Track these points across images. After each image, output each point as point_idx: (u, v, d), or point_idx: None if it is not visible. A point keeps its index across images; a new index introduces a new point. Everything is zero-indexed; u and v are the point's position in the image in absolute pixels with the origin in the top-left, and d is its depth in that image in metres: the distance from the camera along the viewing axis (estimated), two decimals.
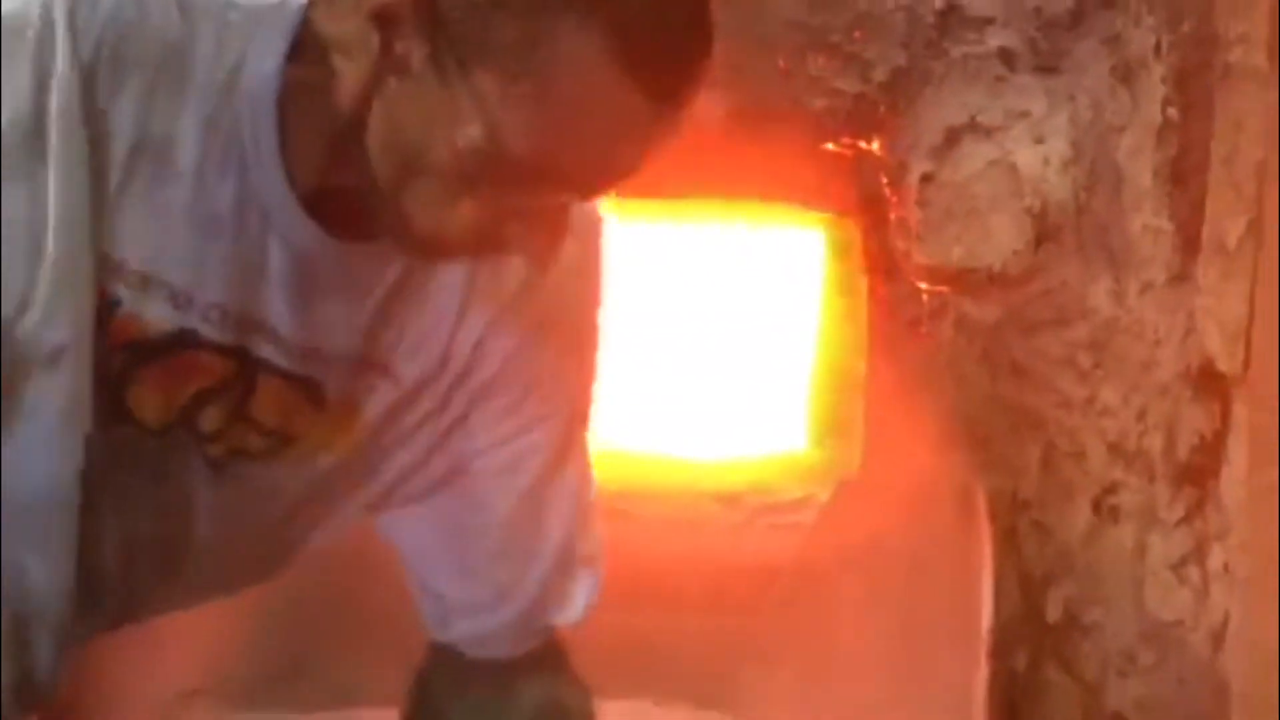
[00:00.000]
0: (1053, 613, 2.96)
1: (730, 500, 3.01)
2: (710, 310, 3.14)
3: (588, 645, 2.69)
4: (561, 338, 1.71)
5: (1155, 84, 2.83)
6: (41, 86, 1.44)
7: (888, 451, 2.97)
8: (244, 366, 1.59)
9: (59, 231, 1.46)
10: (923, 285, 2.99)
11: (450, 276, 1.60)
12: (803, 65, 2.94)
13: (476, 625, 1.77)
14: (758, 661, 2.64)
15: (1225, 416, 2.74)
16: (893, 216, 2.98)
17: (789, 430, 3.15)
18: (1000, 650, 2.50)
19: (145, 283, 1.53)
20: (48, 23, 1.43)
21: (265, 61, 1.48)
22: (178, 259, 1.53)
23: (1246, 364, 2.67)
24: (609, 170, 1.45)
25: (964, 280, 2.97)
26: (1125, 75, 2.88)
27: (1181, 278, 2.83)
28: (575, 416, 1.78)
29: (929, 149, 2.94)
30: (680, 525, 2.96)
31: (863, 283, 3.03)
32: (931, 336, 2.99)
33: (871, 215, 2.99)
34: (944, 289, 2.98)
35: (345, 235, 1.53)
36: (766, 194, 3.00)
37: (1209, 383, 2.77)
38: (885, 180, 2.97)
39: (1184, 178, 2.81)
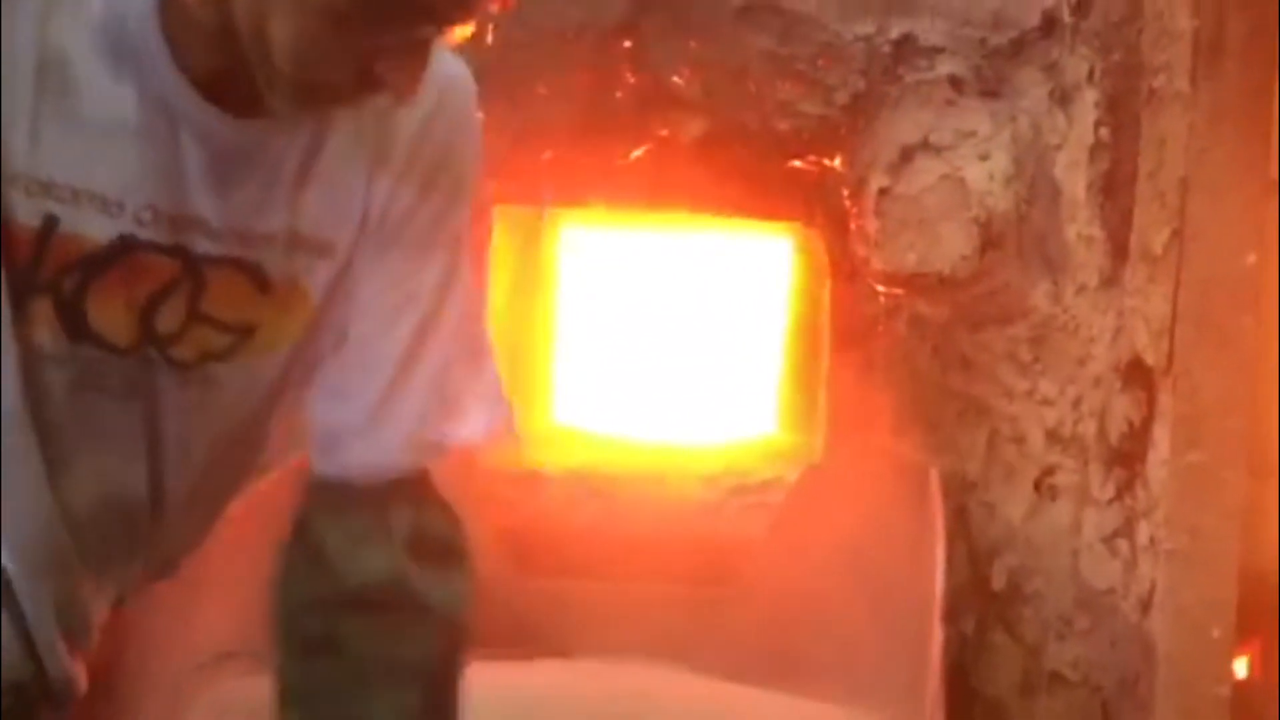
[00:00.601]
0: (997, 582, 2.97)
1: (708, 481, 3.00)
2: (690, 311, 3.15)
3: (583, 609, 2.72)
4: (448, 187, 1.66)
5: (1088, 107, 2.84)
6: None
7: (849, 437, 2.98)
8: (188, 264, 1.56)
9: None
10: (880, 288, 2.98)
11: (349, 147, 1.59)
12: (772, 90, 2.93)
13: (358, 451, 1.66)
14: (733, 622, 2.64)
15: (1151, 405, 2.75)
16: (853, 226, 2.97)
17: (760, 418, 3.16)
18: (950, 615, 2.51)
19: (76, 197, 1.50)
20: None
21: None
22: (100, 169, 1.51)
23: (1170, 359, 2.68)
24: (454, 12, 1.45)
25: (917, 283, 2.95)
26: (1061, 99, 2.88)
27: (1112, 281, 2.84)
28: (459, 256, 1.69)
29: (886, 165, 2.93)
30: (665, 502, 2.96)
31: (826, 285, 3.03)
32: (888, 334, 2.98)
33: (834, 225, 2.99)
34: (899, 291, 2.97)
35: (246, 114, 1.51)
36: (740, 205, 3.00)
37: (1137, 375, 2.78)
38: (846, 193, 2.96)
39: (1114, 191, 2.82)
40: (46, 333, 1.55)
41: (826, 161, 2.96)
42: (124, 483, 1.66)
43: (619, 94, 2.94)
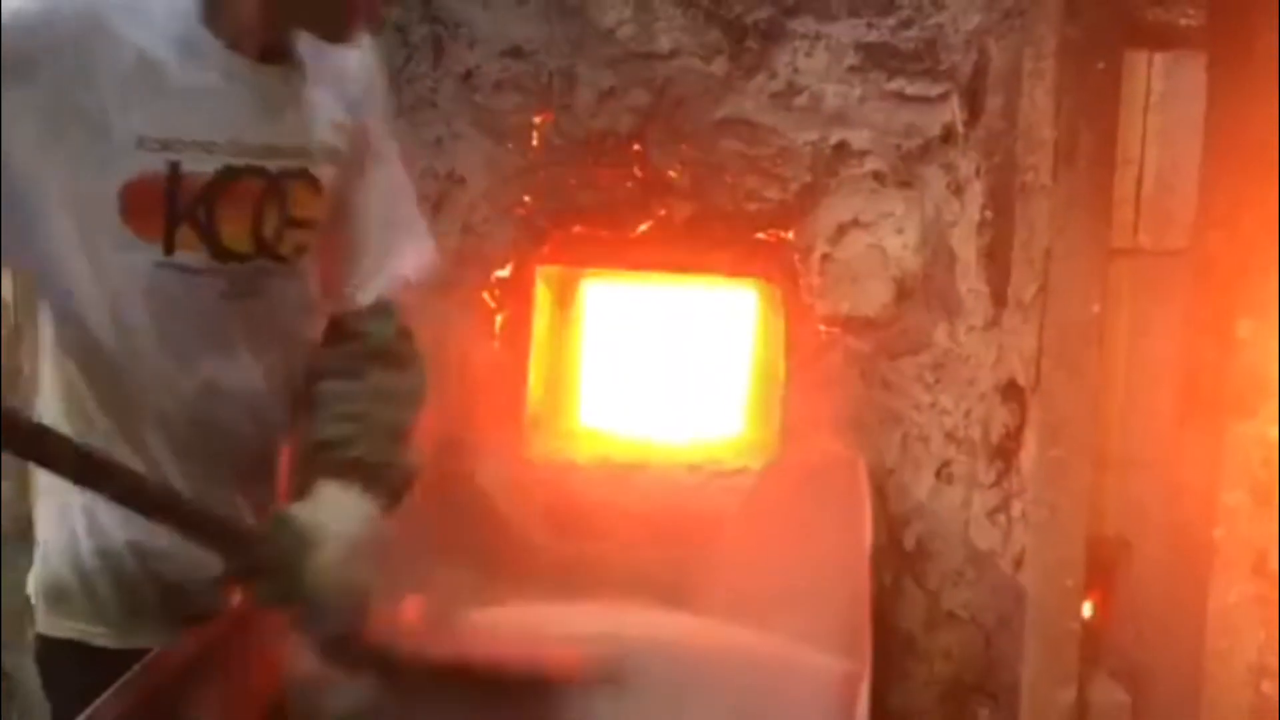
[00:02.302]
0: (908, 544, 2.96)
1: (693, 468, 3.00)
2: (681, 343, 3.15)
3: (603, 564, 2.71)
4: (382, 103, 1.80)
5: (976, 195, 2.84)
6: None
7: (799, 437, 2.96)
8: (270, 181, 1.63)
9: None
10: (822, 327, 2.97)
11: (335, 83, 1.69)
12: (743, 181, 2.93)
13: (355, 289, 1.78)
14: (712, 575, 2.61)
15: (1023, 415, 2.75)
16: (802, 282, 2.96)
17: (733, 422, 3.16)
18: (873, 570, 2.50)
19: (184, 145, 1.56)
20: None
21: None
22: (193, 122, 1.57)
23: (1037, 381, 2.67)
24: None
25: (850, 324, 2.95)
26: (956, 189, 2.87)
27: (993, 323, 2.84)
28: (395, 168, 1.81)
29: (826, 237, 2.93)
30: (662, 484, 2.95)
31: (782, 325, 3.02)
32: (828, 361, 2.97)
33: (788, 281, 2.98)
34: (836, 329, 2.96)
35: (272, 61, 1.61)
36: (718, 267, 2.99)
37: (1012, 393, 2.78)
38: (797, 257, 2.96)
39: (995, 257, 2.81)
40: (197, 255, 1.60)
41: (783, 234, 2.96)
42: (249, 376, 1.71)
43: (629, 184, 2.93)
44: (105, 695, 1.53)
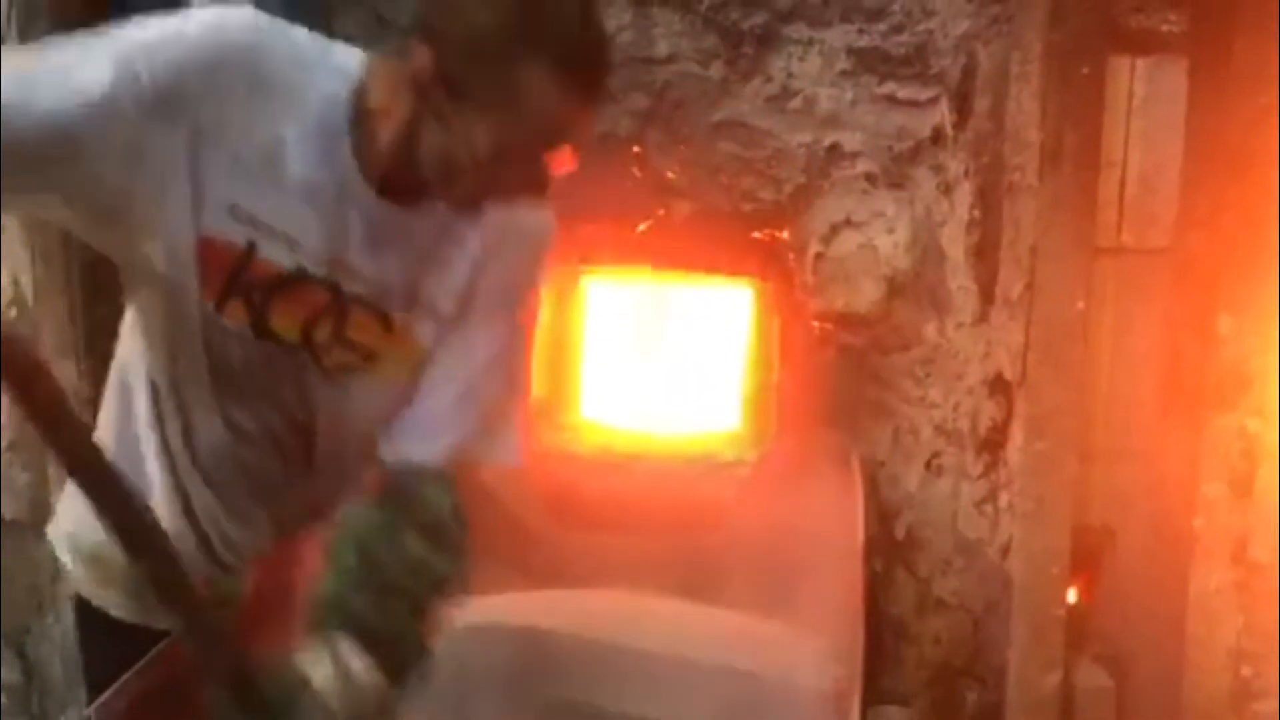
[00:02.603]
0: (899, 533, 2.96)
1: (692, 460, 2.99)
2: (680, 339, 3.15)
3: (604, 551, 2.70)
4: (519, 270, 1.68)
5: (965, 195, 2.83)
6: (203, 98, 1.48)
7: (793, 430, 2.96)
8: (337, 297, 1.58)
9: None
10: (815, 323, 2.96)
11: (464, 248, 1.61)
12: (739, 182, 2.92)
13: (422, 448, 1.65)
14: (710, 562, 2.60)
15: (1010, 409, 2.75)
16: (796, 280, 2.95)
17: (730, 416, 3.14)
18: (866, 557, 2.50)
19: (272, 233, 1.53)
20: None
21: (341, 96, 1.51)
22: (291, 218, 1.53)
23: (1023, 375, 2.68)
24: (564, 138, 1.48)
25: (842, 321, 2.94)
26: (946, 189, 2.87)
27: (981, 319, 2.84)
28: (510, 352, 1.71)
29: (820, 236, 2.92)
30: (661, 475, 2.95)
31: (777, 322, 3.02)
32: (821, 356, 2.96)
33: (783, 279, 2.97)
34: (829, 326, 2.95)
35: (399, 203, 1.54)
36: (715, 265, 2.99)
37: (999, 387, 2.78)
38: (792, 256, 2.95)
39: (983, 255, 2.81)
40: (240, 324, 1.58)
41: (778, 234, 2.95)
42: (278, 428, 1.67)
43: (629, 185, 2.93)
44: (128, 674, 1.52)
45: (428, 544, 1.64)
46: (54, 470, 2.80)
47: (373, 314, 1.61)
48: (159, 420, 1.67)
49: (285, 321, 1.59)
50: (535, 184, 1.53)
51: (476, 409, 1.67)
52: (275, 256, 1.55)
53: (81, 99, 1.43)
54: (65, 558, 1.79)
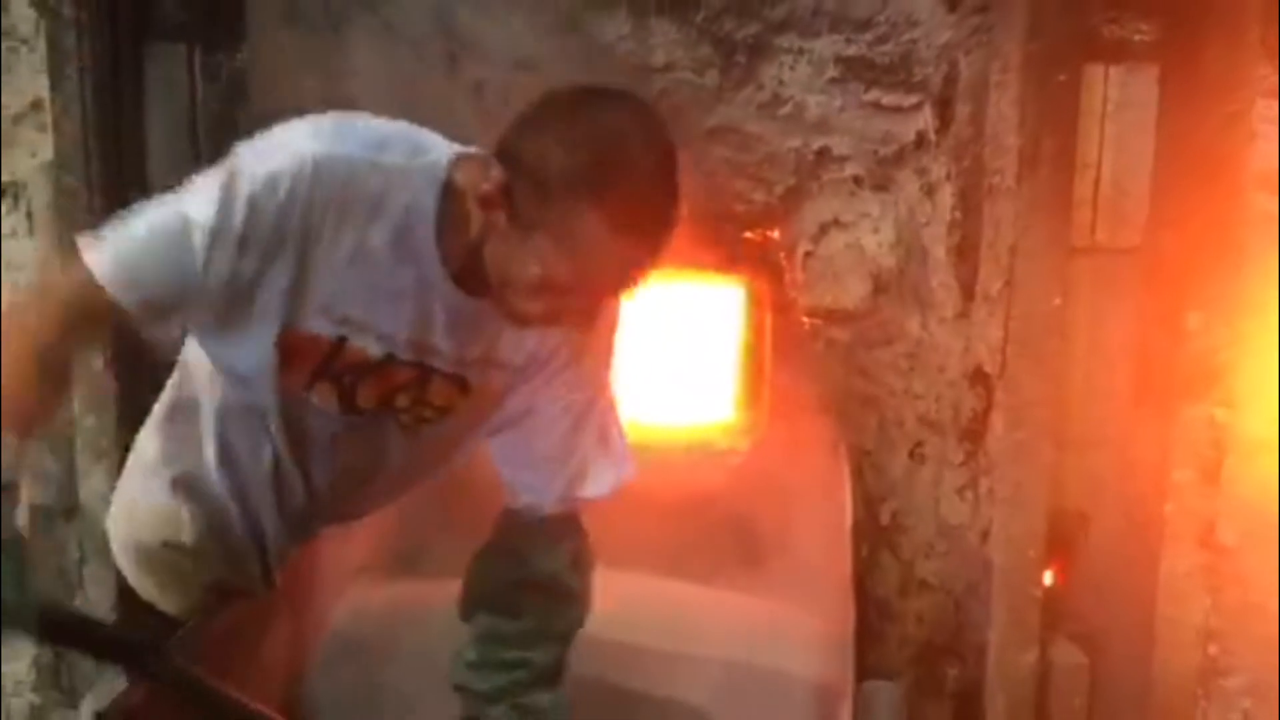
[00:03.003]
0: (884, 518, 2.96)
1: (689, 449, 2.95)
2: (677, 334, 3.12)
3: (603, 540, 2.70)
4: (595, 351, 1.72)
5: (947, 197, 2.83)
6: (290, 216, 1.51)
7: (784, 420, 2.92)
8: (421, 372, 1.62)
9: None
10: (805, 319, 2.95)
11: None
12: (732, 185, 2.91)
13: (535, 497, 1.74)
14: (706, 545, 2.60)
15: (990, 400, 2.76)
16: (786, 277, 2.94)
17: (724, 407, 3.10)
18: (852, 542, 2.50)
19: (364, 328, 1.56)
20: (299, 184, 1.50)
21: (426, 201, 1.51)
22: (382, 314, 1.56)
23: (1002, 368, 2.69)
24: (618, 288, 1.51)
25: (830, 316, 2.93)
26: (929, 191, 2.86)
27: (963, 315, 2.83)
28: (600, 390, 1.76)
29: (809, 236, 2.91)
30: (660, 463, 2.88)
31: (768, 317, 2.97)
32: (810, 350, 2.96)
33: (774, 276, 2.95)
34: (818, 321, 2.95)
35: (477, 294, 1.55)
36: (709, 263, 2.94)
37: (979, 379, 2.79)
38: (782, 255, 2.94)
39: (964, 254, 2.81)
40: (327, 403, 1.61)
41: (769, 233, 2.94)
42: (360, 481, 1.74)
43: None
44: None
45: (547, 605, 1.72)
46: (81, 459, 2.81)
47: (452, 382, 1.65)
48: (229, 454, 1.72)
49: (369, 394, 1.63)
50: (584, 316, 1.54)
51: (582, 452, 1.73)
52: (365, 345, 1.58)
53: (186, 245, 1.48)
54: (123, 561, 1.81)
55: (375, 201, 1.50)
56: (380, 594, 2.24)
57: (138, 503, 1.80)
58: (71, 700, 2.89)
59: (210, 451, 1.71)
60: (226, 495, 1.72)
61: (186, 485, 1.74)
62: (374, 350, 1.58)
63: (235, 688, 1.54)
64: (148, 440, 1.80)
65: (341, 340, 1.56)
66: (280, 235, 1.49)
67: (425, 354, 1.60)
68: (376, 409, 1.65)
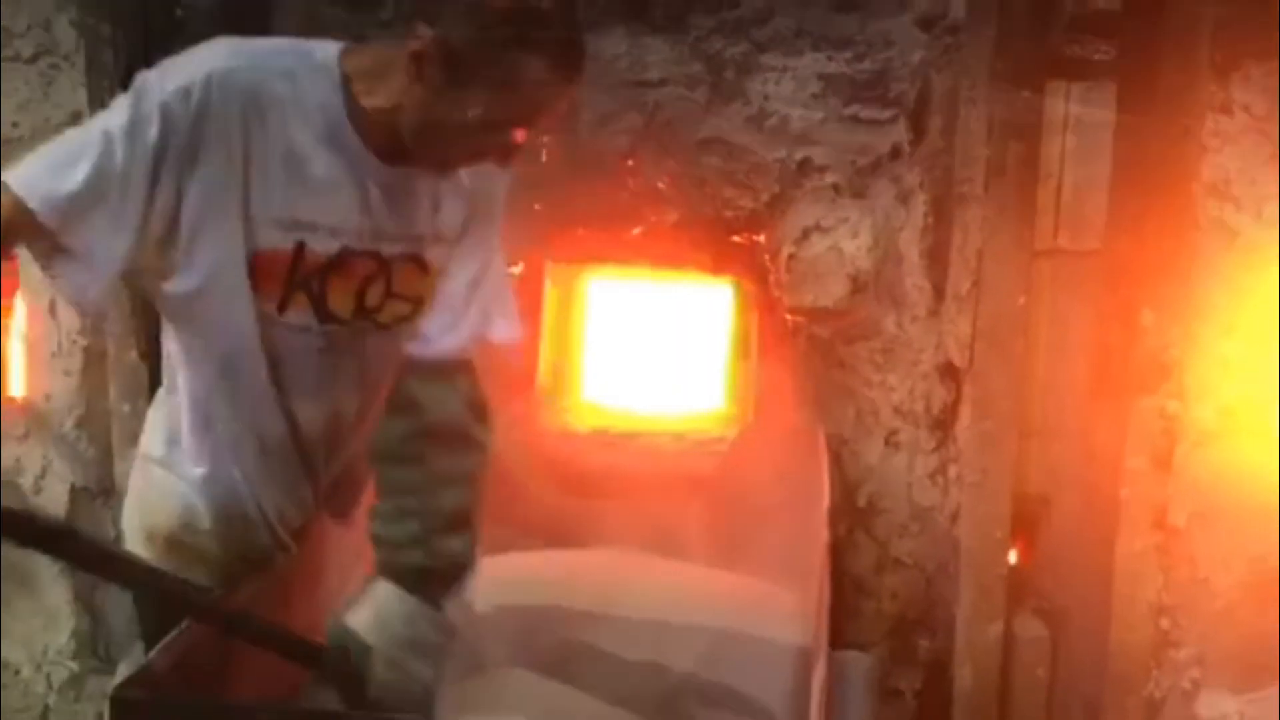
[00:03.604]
0: (860, 501, 2.95)
1: (679, 437, 2.98)
2: (670, 331, 3.13)
3: (600, 517, 2.70)
4: (494, 200, 1.73)
5: (920, 204, 2.83)
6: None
7: (769, 410, 2.95)
8: (380, 262, 1.62)
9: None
10: (788, 316, 2.95)
11: (457, 184, 1.66)
12: (720, 191, 2.91)
13: (444, 341, 1.69)
14: (694, 526, 2.57)
15: (959, 392, 2.77)
16: (771, 278, 2.94)
17: (713, 398, 3.12)
18: (831, 523, 2.50)
19: (314, 228, 1.57)
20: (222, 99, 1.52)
21: (332, 93, 1.57)
22: (326, 209, 1.58)
23: (971, 363, 2.70)
24: (538, 119, 1.55)
25: (812, 314, 2.93)
26: (903, 199, 2.86)
27: (934, 313, 2.84)
28: (495, 251, 1.76)
29: (792, 239, 2.91)
30: (652, 450, 2.94)
31: (754, 315, 3.00)
32: (793, 345, 2.95)
33: (760, 277, 2.96)
34: (801, 319, 2.94)
35: (400, 164, 1.59)
36: (700, 265, 2.98)
37: (949, 373, 2.80)
38: (768, 257, 2.94)
39: (936, 257, 2.82)
40: (304, 316, 1.60)
41: (755, 237, 2.94)
42: (341, 409, 1.70)
43: (624, 194, 2.92)
44: (164, 642, 1.52)
45: (446, 452, 1.63)
46: (117, 443, 2.82)
47: (412, 264, 1.65)
48: (210, 426, 1.68)
49: (341, 298, 1.62)
50: (505, 151, 1.57)
51: (480, 298, 1.72)
52: (321, 246, 1.58)
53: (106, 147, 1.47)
54: (139, 548, 1.78)
55: (286, 105, 1.54)
56: None
57: (147, 492, 1.78)
58: (109, 668, 2.90)
59: (199, 431, 1.68)
60: (229, 476, 1.69)
61: (190, 469, 1.71)
62: (330, 246, 1.58)
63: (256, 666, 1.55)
64: (150, 434, 1.78)
65: (300, 246, 1.57)
66: (195, 145, 1.50)
67: (377, 239, 1.61)
68: (353, 317, 1.63)
